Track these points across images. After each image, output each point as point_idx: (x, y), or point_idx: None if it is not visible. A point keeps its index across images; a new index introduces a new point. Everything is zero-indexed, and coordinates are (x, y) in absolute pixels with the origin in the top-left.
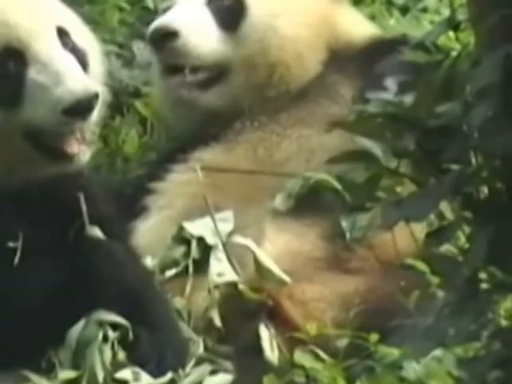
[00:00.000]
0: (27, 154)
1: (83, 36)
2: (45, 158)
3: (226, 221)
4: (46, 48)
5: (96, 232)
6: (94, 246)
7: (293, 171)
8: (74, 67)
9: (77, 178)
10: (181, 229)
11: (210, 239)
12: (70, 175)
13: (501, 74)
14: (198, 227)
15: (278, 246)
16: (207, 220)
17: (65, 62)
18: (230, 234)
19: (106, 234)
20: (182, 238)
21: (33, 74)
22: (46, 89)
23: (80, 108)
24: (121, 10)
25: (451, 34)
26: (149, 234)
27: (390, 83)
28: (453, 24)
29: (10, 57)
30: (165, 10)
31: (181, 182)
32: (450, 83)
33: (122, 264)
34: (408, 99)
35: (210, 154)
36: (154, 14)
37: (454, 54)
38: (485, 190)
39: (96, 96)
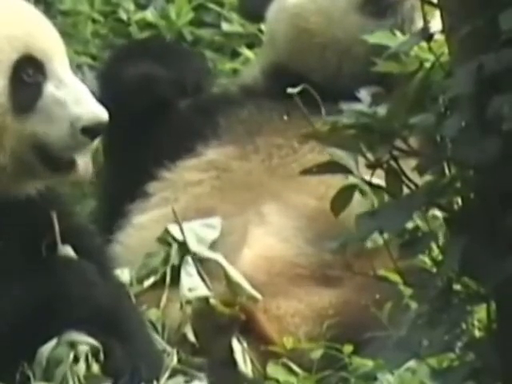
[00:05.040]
0: (31, 163)
1: None
2: (46, 168)
3: (212, 227)
4: (63, 66)
5: (68, 251)
6: (66, 265)
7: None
8: (87, 90)
9: (47, 192)
10: (166, 231)
11: (193, 245)
12: (42, 190)
13: (473, 85)
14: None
15: (258, 252)
16: (194, 224)
17: (80, 83)
18: (213, 241)
19: (78, 248)
20: (166, 241)
21: (51, 87)
22: (65, 105)
23: (95, 130)
24: (94, 21)
25: (424, 44)
26: (149, 228)
27: (364, 94)
28: (426, 35)
29: (30, 65)
30: None
31: (190, 181)
32: (424, 94)
33: (93, 283)
34: (382, 110)
35: (224, 157)
36: (127, 25)
37: (427, 64)
38: (458, 200)
39: (107, 123)
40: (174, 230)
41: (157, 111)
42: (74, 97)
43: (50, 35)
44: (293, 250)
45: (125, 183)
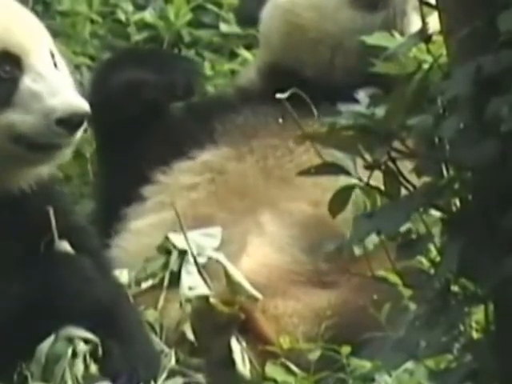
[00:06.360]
0: (11, 153)
1: (62, 63)
2: (26, 152)
3: (212, 237)
4: (41, 59)
5: (65, 246)
6: (64, 260)
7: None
8: (68, 83)
9: (46, 190)
10: (166, 239)
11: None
12: (40, 187)
13: (472, 87)
14: (182, 240)
15: (256, 260)
16: (194, 234)
17: (60, 76)
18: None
19: (76, 246)
20: (166, 249)
21: (28, 81)
22: (40, 97)
23: (72, 121)
24: (92, 22)
25: (423, 45)
26: (146, 233)
27: (362, 95)
28: (424, 36)
29: (6, 60)
30: None
31: (185, 184)
32: (422, 95)
33: (90, 279)
34: (380, 111)
35: (219, 158)
36: (125, 26)
37: (425, 66)
38: (456, 202)
39: (87, 114)
40: (175, 238)
41: (148, 116)
42: (50, 89)
43: (27, 28)
44: (289, 259)
45: (120, 187)
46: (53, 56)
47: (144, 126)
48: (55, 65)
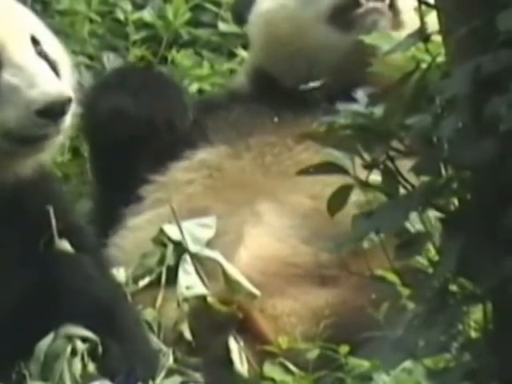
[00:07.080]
0: (5, 150)
1: (54, 47)
2: (16, 146)
3: (207, 227)
4: (20, 52)
5: (65, 245)
6: (63, 259)
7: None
8: (48, 72)
9: (45, 189)
10: (161, 231)
11: (189, 244)
12: (38, 186)
13: (470, 86)
14: (177, 231)
15: (254, 252)
16: (188, 224)
17: (39, 66)
18: (209, 240)
19: (75, 245)
20: (161, 242)
21: (6, 75)
22: (20, 90)
23: (53, 110)
24: (91, 21)
25: (421, 45)
26: (143, 228)
27: (360, 95)
28: (423, 35)
29: None
30: None
31: (182, 181)
32: (420, 95)
33: (90, 277)
34: (378, 111)
35: (216, 156)
36: (124, 25)
37: (424, 65)
38: (455, 201)
39: (69, 100)
40: (169, 229)
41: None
42: (29, 81)
43: (3, 21)
44: (288, 250)
45: (118, 190)
46: (37, 44)
47: (140, 135)
48: (40, 53)
